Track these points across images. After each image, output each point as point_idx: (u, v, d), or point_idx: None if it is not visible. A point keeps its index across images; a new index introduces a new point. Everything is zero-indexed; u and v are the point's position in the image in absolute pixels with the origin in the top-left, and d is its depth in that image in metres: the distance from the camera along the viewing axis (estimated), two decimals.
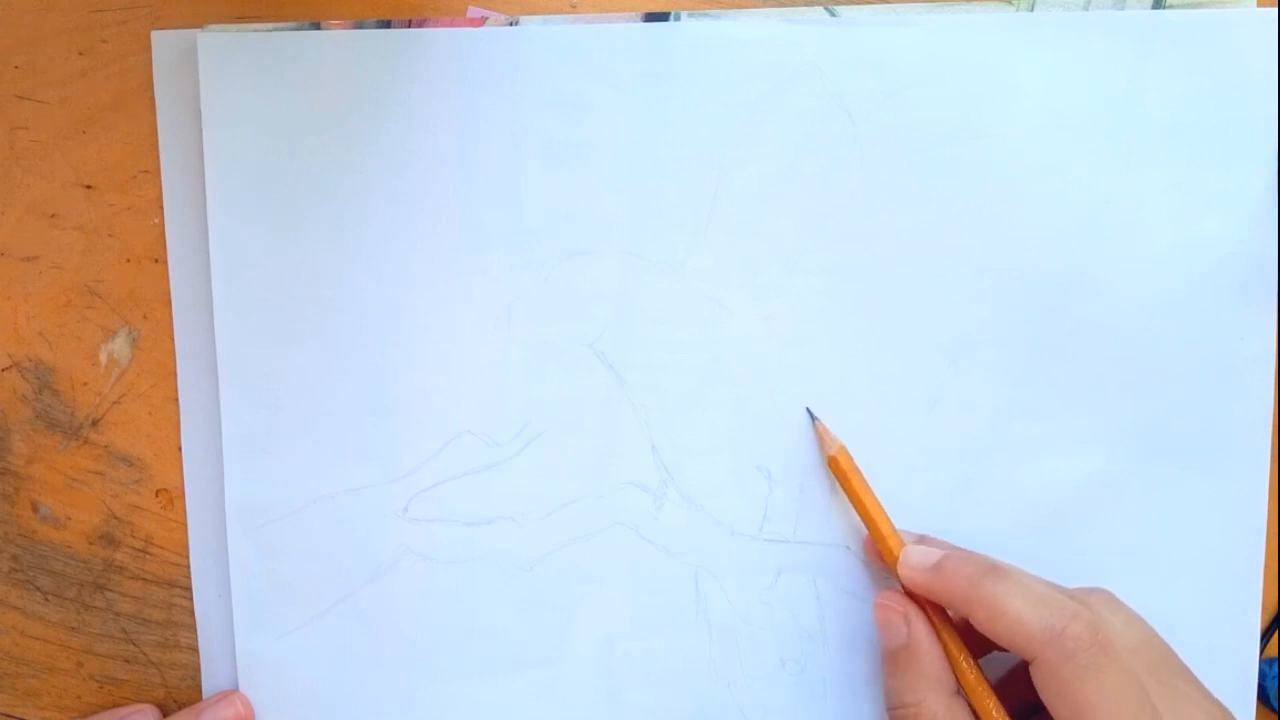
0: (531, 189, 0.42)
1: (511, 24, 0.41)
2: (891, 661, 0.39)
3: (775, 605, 0.43)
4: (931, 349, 0.42)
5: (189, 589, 0.44)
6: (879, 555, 0.41)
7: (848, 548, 0.43)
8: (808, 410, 0.42)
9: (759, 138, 0.41)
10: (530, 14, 0.42)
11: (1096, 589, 0.38)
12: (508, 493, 0.43)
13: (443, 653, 0.43)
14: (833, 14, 0.41)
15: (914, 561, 0.39)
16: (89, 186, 0.43)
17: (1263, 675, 0.44)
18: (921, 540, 0.41)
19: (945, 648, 0.38)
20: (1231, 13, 0.41)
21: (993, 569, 0.37)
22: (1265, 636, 0.44)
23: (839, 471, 0.41)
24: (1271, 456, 0.42)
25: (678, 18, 0.41)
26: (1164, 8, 0.41)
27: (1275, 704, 0.44)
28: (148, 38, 0.42)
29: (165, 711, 0.44)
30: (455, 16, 0.42)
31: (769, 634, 0.43)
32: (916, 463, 0.42)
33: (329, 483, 0.43)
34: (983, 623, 0.36)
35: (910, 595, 0.39)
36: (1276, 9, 0.41)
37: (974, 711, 0.37)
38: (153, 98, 0.42)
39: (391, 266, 0.42)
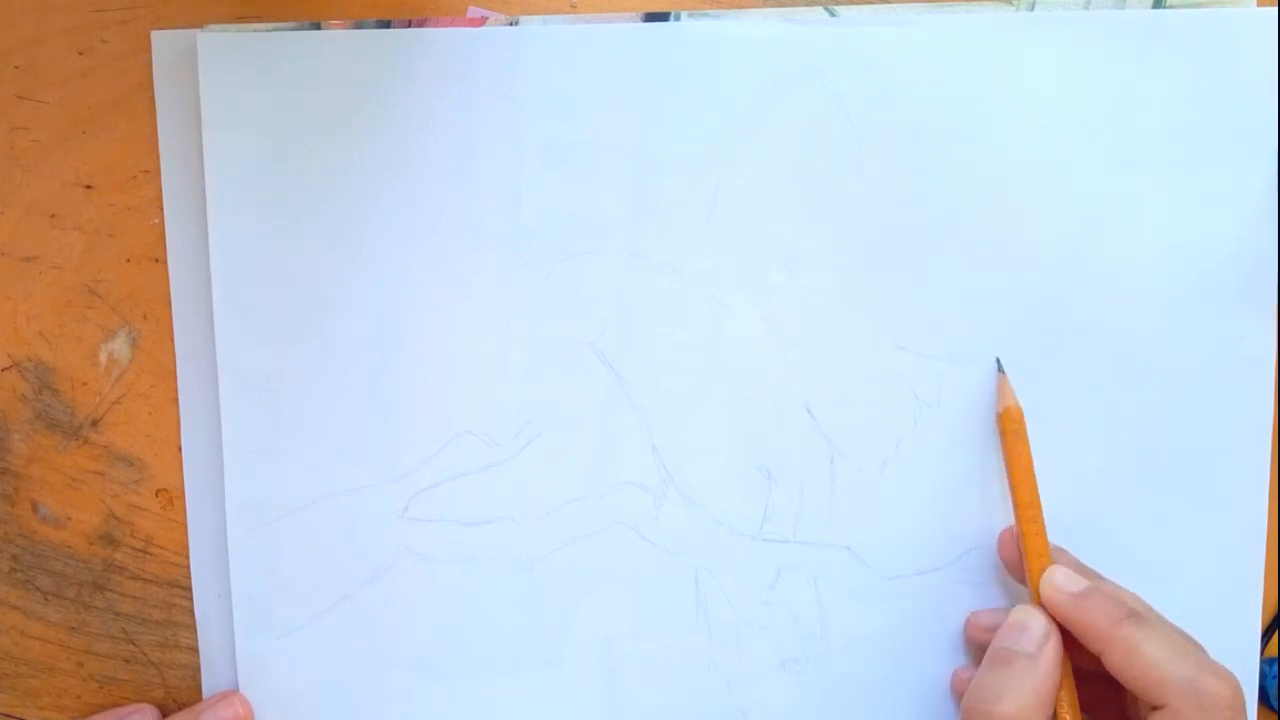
0: (531, 189, 0.42)
1: (511, 24, 0.41)
2: (1004, 661, 0.38)
3: (775, 605, 0.43)
4: (931, 348, 0.42)
5: (189, 589, 0.44)
6: (1016, 551, 0.40)
7: (848, 548, 0.43)
8: (996, 360, 0.41)
9: (759, 138, 0.41)
10: (530, 14, 0.42)
11: (1230, 674, 0.38)
12: (507, 492, 0.43)
13: (443, 652, 0.43)
14: (832, 14, 0.41)
15: (1059, 583, 0.38)
16: (89, 186, 0.43)
17: (1263, 675, 0.44)
18: (1061, 554, 0.40)
19: (1063, 669, 0.38)
20: (1232, 12, 0.41)
21: (1136, 613, 0.37)
22: (1265, 636, 0.44)
23: (1006, 431, 0.41)
24: (1271, 456, 0.42)
25: (678, 18, 0.41)
26: (1164, 7, 0.41)
27: (1275, 704, 0.44)
28: (148, 38, 0.42)
29: (165, 711, 0.44)
30: (455, 16, 0.42)
31: (769, 634, 0.43)
32: (916, 463, 0.42)
33: (329, 482, 0.43)
34: (1116, 662, 0.36)
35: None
36: (1276, 8, 0.41)
37: None
38: (153, 98, 0.42)
39: (391, 266, 0.42)
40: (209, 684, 0.44)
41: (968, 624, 0.42)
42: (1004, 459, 0.41)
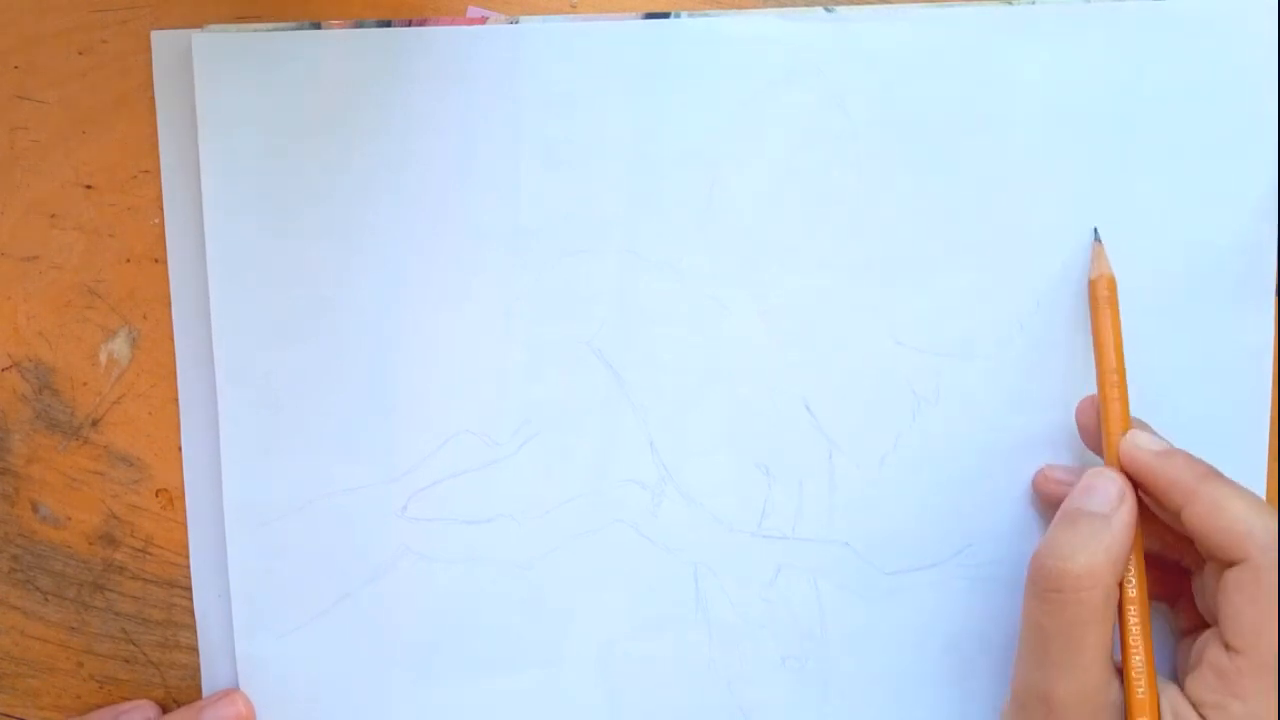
0: (531, 188, 0.42)
1: (512, 24, 0.41)
2: (1074, 519, 0.38)
3: (775, 602, 0.43)
4: (930, 344, 0.42)
5: (189, 589, 0.44)
6: (1095, 418, 0.40)
7: (847, 544, 0.43)
8: (1094, 230, 0.41)
9: (757, 135, 0.41)
10: (530, 14, 0.42)
11: None
12: (506, 491, 0.43)
13: (442, 651, 0.43)
14: (830, 12, 0.41)
15: (1143, 443, 0.38)
16: (89, 186, 0.43)
17: None
18: (1141, 424, 0.40)
19: (1137, 536, 0.38)
20: (1232, 4, 0.41)
21: (1218, 473, 0.37)
22: None
23: (1096, 297, 0.40)
24: (1270, 453, 0.42)
25: (678, 16, 0.41)
26: None
27: None
28: (148, 38, 0.42)
29: (166, 711, 0.44)
30: (455, 16, 0.42)
31: (769, 631, 0.43)
32: (915, 459, 0.42)
33: (328, 482, 0.43)
34: (1199, 516, 0.36)
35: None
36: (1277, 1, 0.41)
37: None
38: (153, 98, 0.42)
39: (390, 266, 0.42)
40: (209, 684, 0.44)
41: (1039, 476, 0.42)
42: (1091, 326, 0.41)
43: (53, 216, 0.43)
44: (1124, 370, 0.40)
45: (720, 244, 0.42)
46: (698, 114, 0.41)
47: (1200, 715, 0.35)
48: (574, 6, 0.42)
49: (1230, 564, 0.36)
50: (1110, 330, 0.40)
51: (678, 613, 0.43)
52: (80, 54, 0.42)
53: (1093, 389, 0.40)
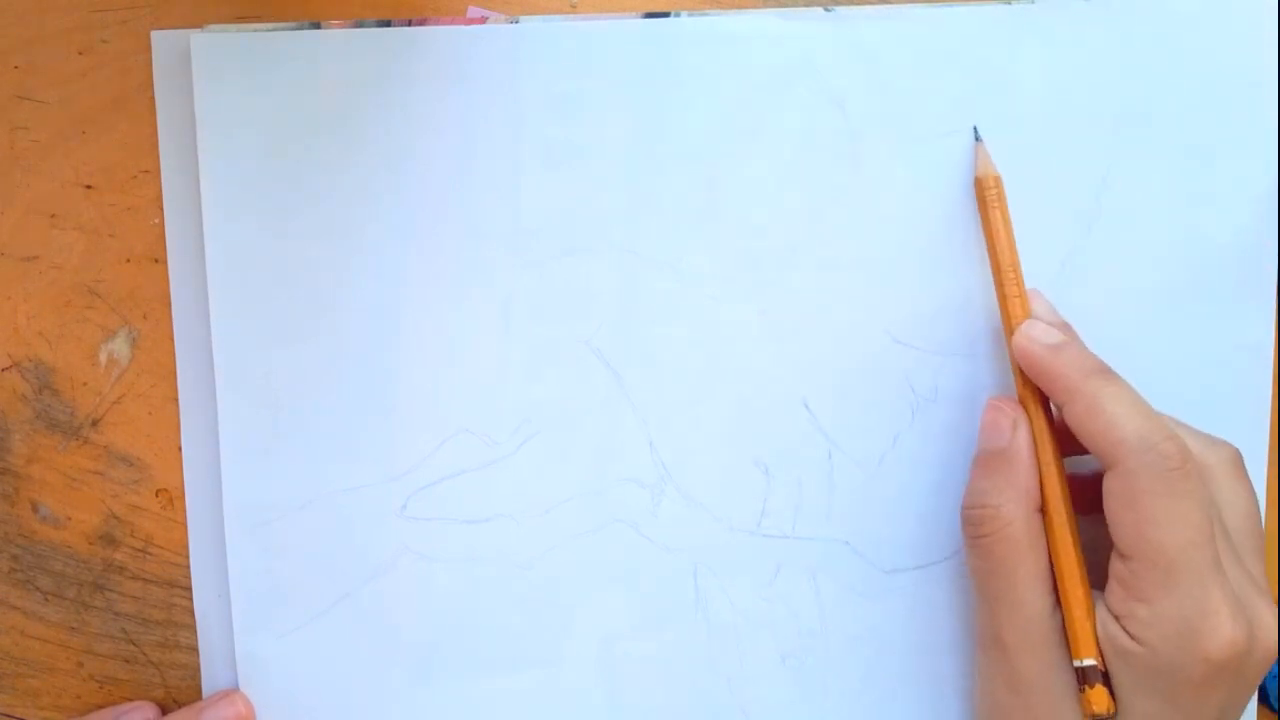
0: (531, 188, 0.42)
1: (512, 23, 0.41)
2: (985, 463, 0.38)
3: (775, 601, 0.43)
4: (928, 343, 0.42)
5: (189, 589, 0.44)
6: (999, 306, 0.40)
7: (847, 543, 0.43)
8: (974, 129, 0.41)
9: (755, 134, 0.41)
10: (530, 14, 0.42)
11: (1223, 442, 0.38)
12: (506, 490, 0.43)
13: (442, 651, 0.43)
14: (830, 11, 0.41)
15: (1036, 335, 0.38)
16: (89, 186, 0.43)
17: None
18: (1063, 327, 0.39)
19: (1041, 457, 0.38)
20: (1233, 3, 0.41)
21: (1106, 370, 0.37)
22: None
23: (984, 199, 0.40)
24: (1270, 450, 0.42)
25: (678, 16, 0.41)
26: None
27: (1275, 704, 0.44)
28: (148, 38, 0.42)
29: (165, 711, 0.44)
30: (455, 16, 0.42)
31: (768, 630, 0.43)
32: (914, 457, 0.42)
33: (328, 482, 0.42)
34: (1078, 416, 0.36)
35: (1021, 393, 0.39)
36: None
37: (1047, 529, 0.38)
38: (153, 98, 0.42)
39: (390, 265, 0.42)
40: (209, 684, 0.44)
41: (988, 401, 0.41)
42: (982, 227, 0.40)
43: (53, 216, 0.43)
44: (1018, 264, 0.39)
45: (720, 243, 0.42)
46: (697, 114, 0.41)
47: (1122, 627, 0.35)
48: (574, 6, 0.42)
49: (1109, 468, 0.36)
50: (1002, 226, 0.40)
51: (677, 612, 0.43)
52: (80, 54, 0.42)
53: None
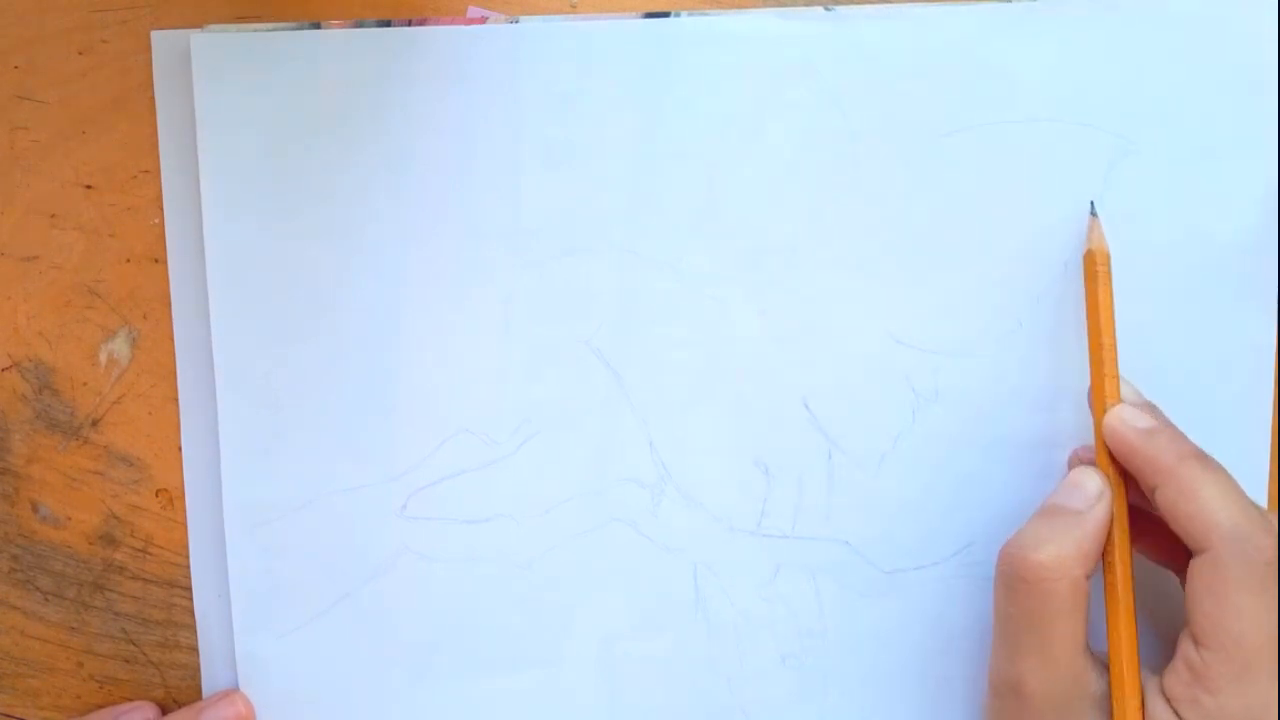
0: (531, 188, 0.42)
1: (512, 24, 0.41)
2: (1051, 514, 0.38)
3: (774, 601, 0.43)
4: (928, 342, 0.42)
5: (189, 589, 0.44)
6: (1091, 384, 0.40)
7: (846, 543, 0.43)
8: (1090, 204, 0.41)
9: (756, 134, 0.41)
10: (530, 14, 0.42)
11: None
12: (506, 490, 0.43)
13: (442, 651, 0.43)
14: (829, 11, 0.41)
15: (1128, 417, 0.38)
16: (89, 186, 0.43)
17: None
18: (1148, 408, 0.39)
19: (1116, 528, 0.38)
20: (1233, 3, 0.41)
21: (1203, 455, 0.37)
22: None
23: (1094, 272, 0.40)
24: (1271, 451, 0.42)
25: (677, 16, 0.41)
26: None
27: None
28: (148, 38, 0.42)
29: (165, 711, 0.44)
30: (455, 16, 0.42)
31: (768, 630, 0.43)
32: (914, 457, 0.42)
33: (328, 481, 0.43)
34: (1170, 499, 0.36)
35: (1104, 469, 0.39)
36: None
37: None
38: (153, 98, 0.42)
39: (390, 265, 0.42)
40: (209, 684, 0.44)
41: (1072, 456, 0.41)
42: (1085, 300, 0.40)
43: (53, 216, 0.43)
44: (1114, 345, 0.39)
45: (720, 243, 0.42)
46: (697, 113, 0.41)
47: (1174, 710, 0.35)
48: (574, 6, 0.42)
49: (1198, 553, 0.35)
50: (1105, 305, 0.40)
51: (677, 612, 0.43)
52: (80, 54, 0.42)
53: None
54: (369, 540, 0.43)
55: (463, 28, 0.41)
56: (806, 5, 0.42)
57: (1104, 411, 0.39)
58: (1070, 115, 0.41)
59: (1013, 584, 0.37)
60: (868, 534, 0.43)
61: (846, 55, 0.41)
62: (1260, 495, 0.42)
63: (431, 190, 0.42)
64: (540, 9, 0.42)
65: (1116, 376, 0.39)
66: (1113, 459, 0.38)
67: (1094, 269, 0.40)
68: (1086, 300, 0.40)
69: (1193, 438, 0.40)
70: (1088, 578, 0.37)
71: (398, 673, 0.43)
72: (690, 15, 0.41)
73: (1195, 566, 0.35)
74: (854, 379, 0.42)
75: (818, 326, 0.42)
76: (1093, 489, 0.38)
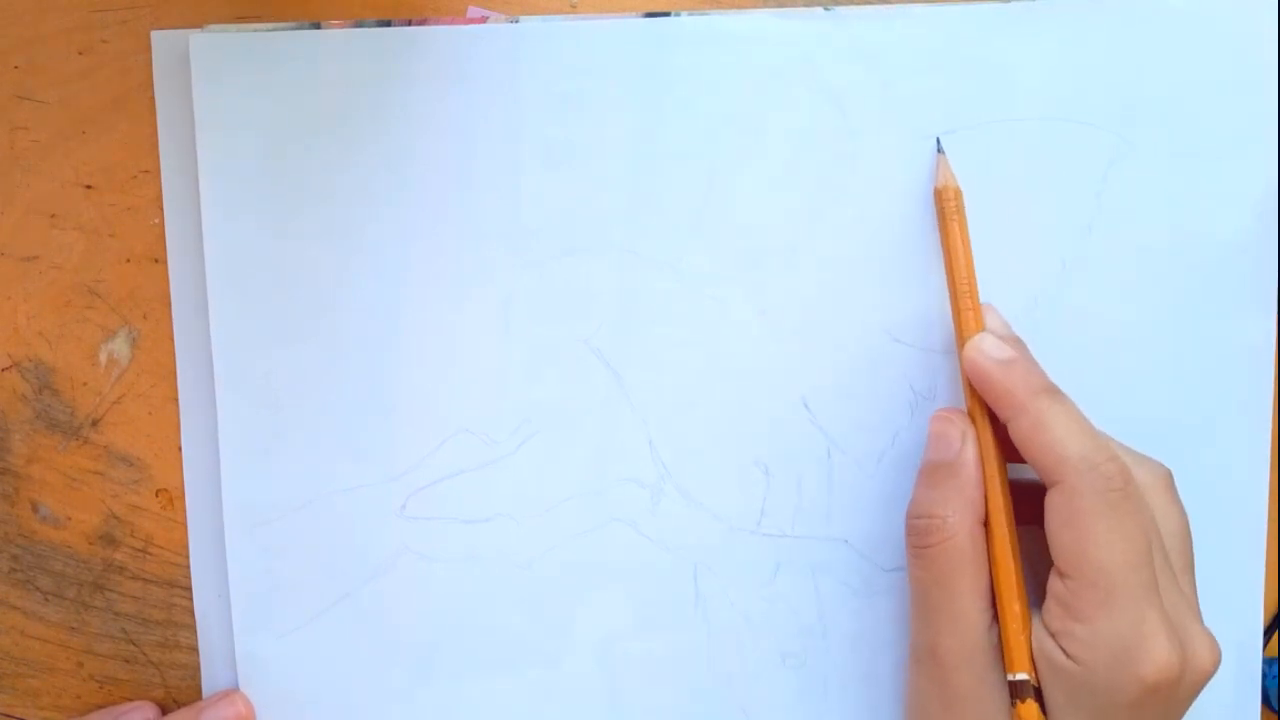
0: (531, 188, 0.42)
1: (512, 24, 0.41)
2: (931, 473, 0.38)
3: (775, 600, 0.43)
4: (927, 341, 0.42)
5: (189, 589, 0.44)
6: (953, 318, 0.40)
7: (846, 541, 0.43)
8: (937, 140, 0.41)
9: (756, 133, 0.41)
10: (530, 14, 0.42)
11: (1156, 462, 0.38)
12: (505, 490, 0.43)
13: (442, 651, 0.43)
14: (829, 10, 0.41)
15: (986, 348, 0.38)
16: (89, 186, 0.43)
17: (1263, 675, 0.43)
18: (1015, 342, 0.39)
19: (986, 471, 0.38)
20: (1233, 3, 0.41)
21: (1053, 389, 0.37)
22: (1265, 636, 0.43)
23: (944, 208, 0.40)
24: (1271, 452, 0.42)
25: (677, 16, 0.41)
26: None
27: (1275, 704, 0.44)
28: (148, 38, 0.42)
29: (165, 711, 0.44)
30: (455, 16, 0.42)
31: (768, 629, 0.43)
32: (913, 456, 0.42)
33: (327, 481, 0.43)
34: (1024, 431, 0.36)
35: (970, 405, 0.39)
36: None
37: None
38: (153, 98, 0.42)
39: (389, 265, 0.42)
40: (209, 684, 0.44)
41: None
42: (940, 237, 0.41)
43: (53, 216, 0.43)
44: (974, 277, 0.40)
45: (719, 242, 0.42)
46: (697, 113, 0.41)
47: (1058, 645, 0.35)
48: (574, 6, 0.42)
49: (1052, 485, 0.36)
50: (961, 238, 0.40)
51: (677, 611, 0.43)
52: (80, 54, 0.42)
53: (1090, 388, 0.40)
54: (369, 540, 0.43)
55: (463, 28, 0.41)
56: (806, 5, 0.42)
57: (963, 343, 0.39)
58: (1070, 114, 0.41)
59: (918, 551, 0.38)
60: (868, 533, 0.43)
61: (846, 55, 0.41)
62: (1260, 495, 0.42)
63: (431, 190, 0.42)
64: (540, 9, 0.42)
65: (978, 307, 0.39)
66: (975, 394, 0.39)
67: (944, 205, 0.40)
68: (941, 236, 0.40)
69: (1193, 438, 0.41)
70: (982, 524, 0.37)
71: (397, 673, 0.43)
72: (690, 15, 0.41)
73: (1051, 499, 0.36)
74: (854, 379, 0.42)
75: (817, 326, 0.42)
76: (954, 434, 0.38)
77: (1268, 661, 0.44)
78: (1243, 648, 0.43)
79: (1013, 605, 0.37)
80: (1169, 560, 0.36)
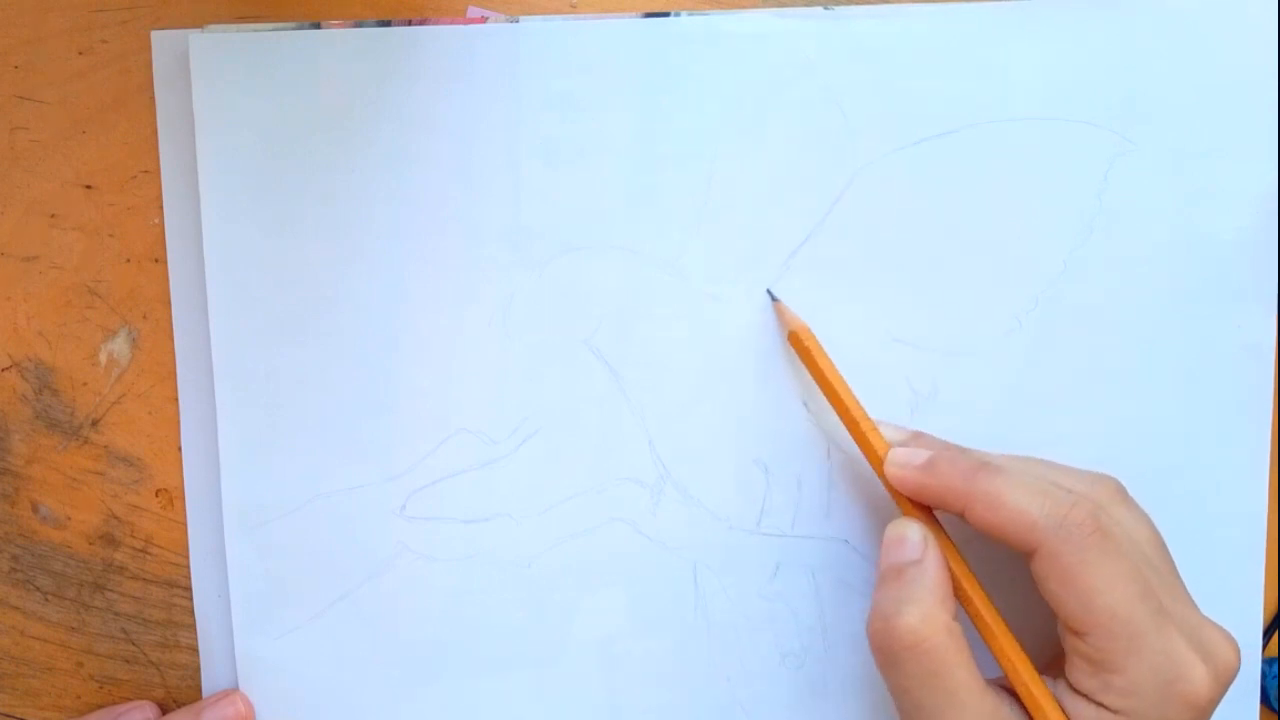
0: (530, 187, 0.42)
1: (512, 24, 0.41)
2: (896, 577, 0.37)
3: (774, 600, 0.43)
4: (926, 341, 0.42)
5: (189, 589, 0.44)
6: (859, 446, 0.40)
7: (846, 541, 0.43)
8: (768, 292, 0.42)
9: (755, 133, 0.41)
10: (530, 14, 0.42)
11: (1103, 476, 0.38)
12: (505, 490, 0.43)
13: (442, 650, 0.43)
14: (828, 10, 0.41)
15: (902, 460, 0.38)
16: (89, 186, 0.43)
17: (1263, 675, 0.43)
18: (914, 439, 0.40)
19: (954, 567, 0.38)
20: (1233, 3, 0.41)
21: (985, 464, 0.37)
22: (1265, 636, 0.43)
23: (802, 350, 0.40)
24: (1271, 452, 0.42)
25: (677, 16, 0.41)
26: None
27: (1275, 704, 0.44)
28: (148, 38, 0.42)
29: (165, 711, 0.44)
30: (455, 16, 0.42)
31: (768, 629, 0.43)
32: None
33: (327, 481, 0.43)
34: (981, 516, 0.36)
35: (913, 514, 0.39)
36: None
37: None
38: (153, 98, 0.42)
39: (389, 265, 0.42)
40: (209, 684, 0.44)
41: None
42: (812, 378, 0.41)
43: (53, 216, 0.43)
44: (858, 402, 0.40)
45: (718, 242, 0.42)
46: (697, 112, 0.41)
47: (1093, 702, 0.35)
48: (574, 6, 0.42)
49: (1030, 554, 0.35)
50: (829, 371, 0.40)
51: (677, 611, 0.43)
52: (80, 54, 0.42)
53: (1091, 388, 0.40)
54: (368, 540, 0.43)
55: (463, 28, 0.41)
56: (806, 5, 0.42)
57: (880, 464, 0.39)
58: (1070, 114, 0.41)
59: (894, 657, 0.36)
60: (867, 532, 0.43)
61: (846, 55, 0.41)
62: (1261, 495, 0.42)
63: (431, 190, 0.42)
64: (540, 9, 0.42)
65: (875, 429, 0.40)
66: (914, 502, 0.39)
67: (802, 345, 0.41)
68: (812, 374, 0.41)
69: (1193, 438, 0.41)
70: (955, 618, 0.37)
71: (397, 672, 0.43)
72: (690, 15, 0.41)
73: (1037, 567, 0.35)
74: (853, 378, 0.42)
75: (816, 325, 0.42)
76: (915, 535, 0.38)
77: (1267, 661, 0.44)
78: (1242, 648, 0.43)
79: (1035, 684, 0.36)
80: (1157, 570, 0.36)
